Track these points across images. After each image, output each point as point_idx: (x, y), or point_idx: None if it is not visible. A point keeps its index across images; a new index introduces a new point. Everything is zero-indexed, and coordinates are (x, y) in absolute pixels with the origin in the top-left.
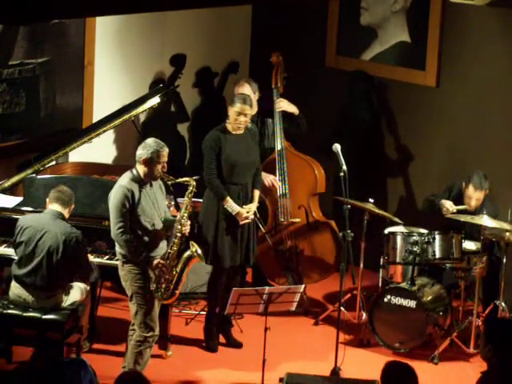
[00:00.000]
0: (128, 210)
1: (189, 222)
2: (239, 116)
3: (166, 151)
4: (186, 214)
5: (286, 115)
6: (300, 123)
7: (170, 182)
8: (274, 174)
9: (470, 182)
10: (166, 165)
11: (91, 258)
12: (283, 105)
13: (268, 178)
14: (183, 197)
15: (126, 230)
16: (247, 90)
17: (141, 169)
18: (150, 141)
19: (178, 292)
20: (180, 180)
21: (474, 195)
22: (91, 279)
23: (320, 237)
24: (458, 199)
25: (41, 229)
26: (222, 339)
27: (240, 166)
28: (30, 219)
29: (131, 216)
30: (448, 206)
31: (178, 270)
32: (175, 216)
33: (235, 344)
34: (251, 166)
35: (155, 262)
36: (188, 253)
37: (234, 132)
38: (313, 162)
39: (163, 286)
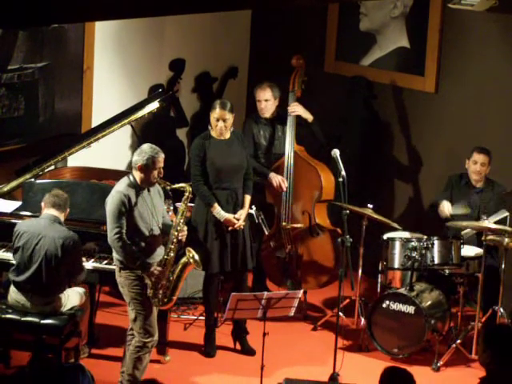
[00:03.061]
0: (125, 215)
1: (185, 228)
2: (218, 122)
3: (161, 157)
4: (182, 220)
5: (300, 122)
6: (315, 131)
7: (167, 188)
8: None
9: (473, 151)
10: (162, 170)
11: (86, 262)
12: (298, 109)
13: (276, 178)
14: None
15: (122, 236)
16: (268, 94)
17: (137, 175)
18: (146, 147)
19: (174, 298)
20: (176, 186)
21: (480, 159)
22: (80, 280)
23: (322, 244)
24: (460, 193)
25: (37, 234)
26: (237, 346)
27: (226, 170)
28: (26, 224)
29: (128, 221)
30: (445, 208)
31: (175, 276)
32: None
33: (249, 351)
34: (237, 170)
35: (151, 268)
36: (184, 259)
37: (218, 137)
38: (321, 167)
39: (160, 292)
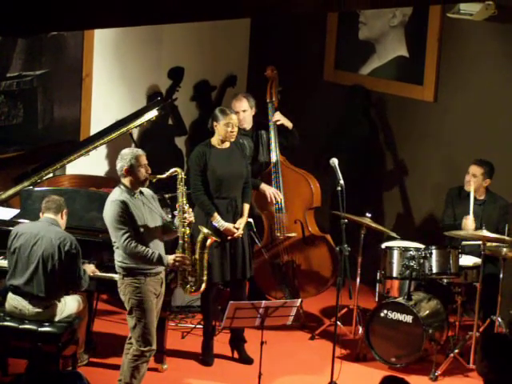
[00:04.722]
0: (127, 219)
1: (191, 210)
2: (228, 127)
3: (143, 154)
4: (185, 201)
5: (279, 129)
6: (294, 137)
7: (162, 176)
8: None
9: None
10: (148, 167)
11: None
12: (281, 119)
13: (270, 191)
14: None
15: (132, 239)
16: (245, 104)
17: (126, 180)
18: (124, 150)
19: (204, 280)
20: (167, 174)
21: (471, 169)
22: (82, 288)
23: (316, 251)
24: (462, 205)
25: (35, 234)
26: (235, 354)
27: (226, 179)
28: (24, 226)
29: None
30: (469, 223)
31: (197, 257)
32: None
33: (247, 360)
34: (238, 179)
35: (171, 258)
36: (200, 237)
37: (219, 146)
38: (308, 175)
39: (189, 278)
